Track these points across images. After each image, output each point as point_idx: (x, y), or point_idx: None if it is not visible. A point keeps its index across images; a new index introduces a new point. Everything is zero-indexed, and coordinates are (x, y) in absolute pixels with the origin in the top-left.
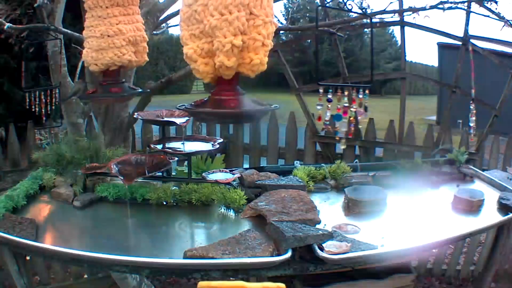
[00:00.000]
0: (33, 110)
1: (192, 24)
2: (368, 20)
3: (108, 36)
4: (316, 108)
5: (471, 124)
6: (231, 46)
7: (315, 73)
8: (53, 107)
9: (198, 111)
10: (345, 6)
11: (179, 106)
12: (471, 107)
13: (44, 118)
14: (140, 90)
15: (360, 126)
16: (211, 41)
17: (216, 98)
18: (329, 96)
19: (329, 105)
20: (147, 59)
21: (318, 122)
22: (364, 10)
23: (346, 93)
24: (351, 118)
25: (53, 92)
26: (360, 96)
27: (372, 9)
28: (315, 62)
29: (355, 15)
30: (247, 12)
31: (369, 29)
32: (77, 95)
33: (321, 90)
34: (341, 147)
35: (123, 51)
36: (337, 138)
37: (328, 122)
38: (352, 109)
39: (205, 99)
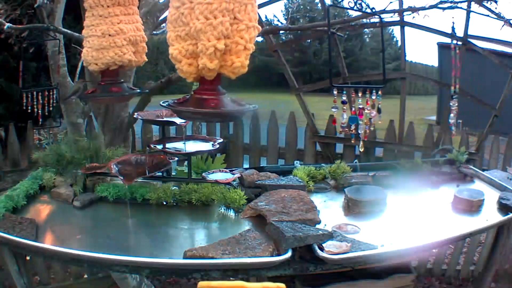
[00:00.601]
0: (30, 111)
1: (179, 26)
2: (371, 20)
3: (109, 35)
4: (331, 111)
5: (451, 121)
6: (214, 49)
7: (329, 74)
8: (51, 108)
9: (179, 109)
10: (355, 6)
11: (162, 103)
12: (451, 103)
13: (40, 119)
14: (138, 90)
15: (372, 128)
16: (195, 43)
17: (198, 97)
18: (344, 98)
19: (345, 107)
20: (146, 59)
21: (333, 124)
22: (372, 9)
23: (360, 94)
24: (366, 120)
25: (51, 93)
26: (373, 97)
27: (373, 8)
28: (329, 62)
29: (356, 13)
30: (231, 17)
31: (369, 29)
32: (77, 95)
33: (335, 92)
34: (360, 150)
35: (124, 51)
36: (353, 141)
37: (345, 125)
38: (366, 110)
39: (187, 96)
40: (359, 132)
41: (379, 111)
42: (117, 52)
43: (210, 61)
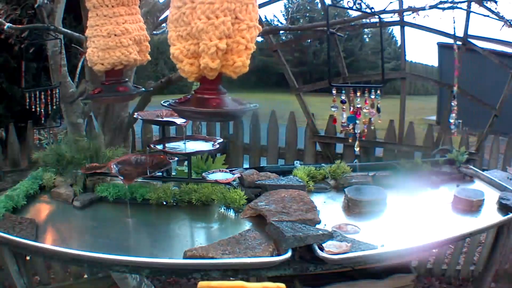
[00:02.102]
0: (33, 110)
1: (180, 26)
2: (370, 20)
3: (115, 35)
4: (331, 110)
5: (451, 121)
6: (216, 49)
7: (328, 74)
8: (54, 107)
9: (180, 109)
10: (354, 6)
11: (163, 102)
12: (452, 103)
13: (43, 118)
14: (143, 89)
15: (372, 128)
16: (197, 43)
17: (199, 96)
18: (343, 98)
19: (344, 107)
20: (149, 58)
21: (334, 124)
22: (372, 9)
23: (358, 93)
24: (364, 120)
25: (53, 92)
26: (372, 96)
27: (372, 8)
28: (327, 62)
29: (357, 13)
30: (232, 17)
31: (369, 29)
32: (84, 96)
33: (334, 92)
34: (356, 149)
35: (130, 50)
36: (350, 140)
37: (345, 124)
38: (365, 110)
39: (189, 96)
40: (357, 131)
41: (378, 110)
42: (124, 52)
43: (212, 61)
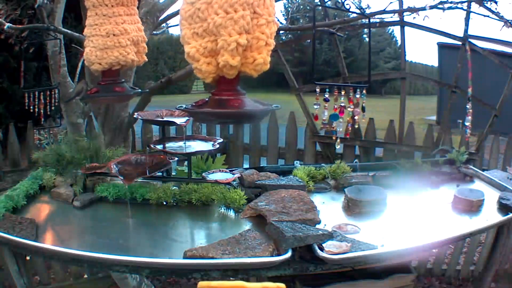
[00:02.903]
0: (32, 110)
1: (195, 23)
2: (367, 20)
3: (114, 35)
4: (313, 108)
5: (467, 124)
6: (236, 45)
7: (311, 72)
8: (53, 108)
9: (199, 112)
10: (343, 6)
11: (178, 107)
12: (467, 106)
13: (42, 119)
14: (139, 90)
15: (356, 126)
16: (214, 40)
17: (217, 98)
18: (326, 96)
19: (326, 105)
20: (146, 59)
21: (315, 121)
22: (362, 10)
23: (343, 92)
24: (348, 118)
25: (53, 93)
26: (357, 96)
27: (370, 8)
28: (312, 60)
29: (354, 15)
30: (251, 11)
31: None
32: (81, 96)
33: (317, 90)
34: (336, 147)
35: (128, 51)
36: (333, 138)
37: (326, 122)
38: (349, 109)
39: (206, 99)
40: (339, 129)
41: (363, 109)
42: (122, 52)
43: (232, 58)
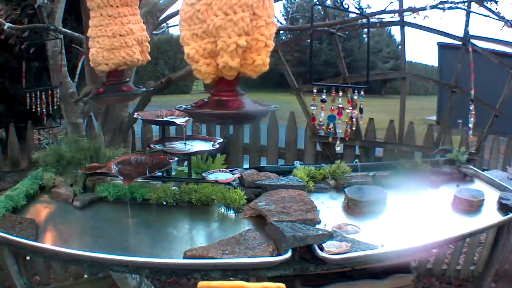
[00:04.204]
0: (33, 110)
1: (195, 24)
2: (371, 20)
3: (120, 35)
4: (310, 108)
5: (470, 125)
6: (236, 46)
7: (309, 72)
8: (55, 107)
9: (198, 112)
10: (341, 6)
11: (178, 107)
12: (470, 107)
13: (45, 118)
14: (144, 88)
15: (354, 128)
16: (214, 41)
17: (217, 99)
18: (323, 97)
19: (323, 106)
20: (149, 58)
21: (312, 122)
22: (362, 10)
23: (340, 93)
24: (347, 120)
25: (54, 92)
26: (355, 97)
27: (370, 8)
28: (309, 61)
29: (353, 15)
30: (250, 13)
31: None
32: (89, 97)
33: (315, 90)
34: (336, 149)
35: (134, 50)
36: (330, 139)
37: (322, 123)
38: (347, 110)
39: (206, 100)
40: (338, 131)
41: (361, 111)
42: (128, 52)
43: (231, 59)
